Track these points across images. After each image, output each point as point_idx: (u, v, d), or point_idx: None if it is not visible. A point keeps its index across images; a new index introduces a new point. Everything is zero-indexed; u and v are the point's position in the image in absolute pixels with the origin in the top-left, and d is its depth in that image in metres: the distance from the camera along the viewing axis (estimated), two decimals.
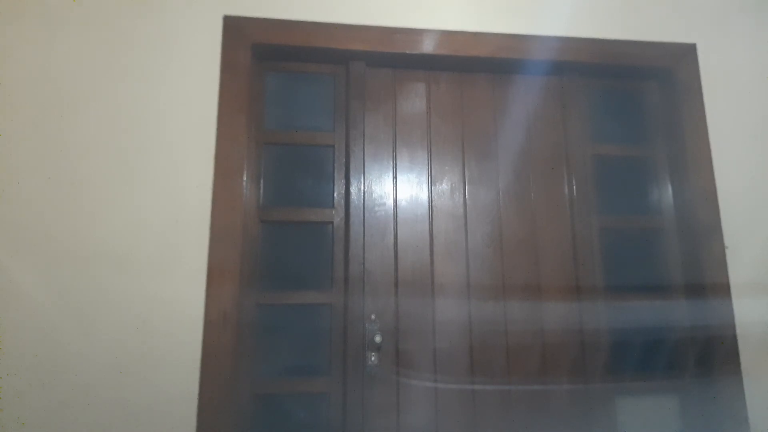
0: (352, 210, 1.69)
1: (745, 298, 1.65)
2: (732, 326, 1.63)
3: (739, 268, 1.67)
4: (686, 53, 1.82)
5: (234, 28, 1.65)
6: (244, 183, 1.60)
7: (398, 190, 1.74)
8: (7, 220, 1.45)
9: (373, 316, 1.63)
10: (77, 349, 1.41)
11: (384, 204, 1.72)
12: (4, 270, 1.42)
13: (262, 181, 1.70)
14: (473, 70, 1.80)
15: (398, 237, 1.70)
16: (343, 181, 1.73)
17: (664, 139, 1.84)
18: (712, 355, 1.62)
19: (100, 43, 1.60)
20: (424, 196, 1.74)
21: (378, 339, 1.59)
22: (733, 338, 1.62)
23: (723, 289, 1.64)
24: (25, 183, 1.48)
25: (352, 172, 1.72)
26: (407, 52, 1.71)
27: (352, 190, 1.71)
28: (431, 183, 1.76)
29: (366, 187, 1.72)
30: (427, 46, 1.72)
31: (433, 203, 1.74)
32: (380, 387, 1.61)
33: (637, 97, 1.89)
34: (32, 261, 1.44)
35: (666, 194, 1.82)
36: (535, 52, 1.75)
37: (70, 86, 1.56)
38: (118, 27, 1.61)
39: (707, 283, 1.64)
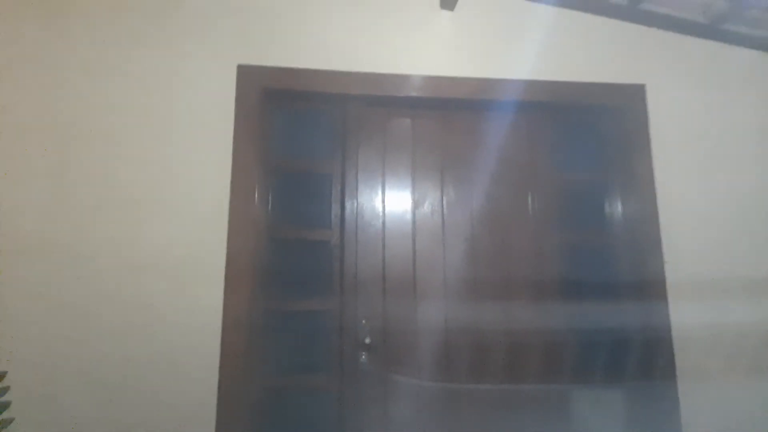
0: (346, 229, 1.98)
1: (680, 306, 1.93)
2: (668, 330, 1.91)
3: (676, 281, 1.95)
4: (636, 93, 2.11)
5: (246, 75, 1.94)
6: (256, 206, 1.88)
7: (386, 212, 2.02)
8: (61, 243, 1.74)
9: (364, 321, 1.91)
10: (121, 348, 1.69)
11: (374, 224, 2.00)
12: (60, 283, 1.71)
13: (270, 205, 1.98)
14: (452, 108, 2.09)
15: (386, 253, 1.98)
16: (339, 204, 2.01)
17: (616, 166, 2.13)
18: (650, 357, 1.90)
19: (130, 86, 1.89)
20: (408, 217, 2.03)
21: (368, 341, 1.88)
22: (669, 342, 1.90)
23: (661, 298, 1.92)
24: (82, 210, 1.77)
25: (346, 197, 2.01)
26: (395, 94, 2.01)
27: (346, 213, 1.99)
28: (415, 206, 2.04)
29: (358, 210, 2.01)
30: (412, 90, 2.01)
31: (416, 223, 2.03)
32: (370, 381, 1.89)
33: (594, 130, 2.18)
34: (81, 274, 1.72)
35: (616, 214, 2.11)
36: (505, 93, 2.04)
37: (108, 124, 1.84)
38: (145, 72, 1.90)
39: (648, 292, 1.93)
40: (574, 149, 2.16)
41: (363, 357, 1.90)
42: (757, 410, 1.97)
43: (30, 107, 1.83)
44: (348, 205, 2.00)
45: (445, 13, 2.09)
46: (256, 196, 1.90)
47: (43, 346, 1.66)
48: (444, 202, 2.05)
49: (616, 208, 2.11)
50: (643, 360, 1.93)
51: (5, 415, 1.40)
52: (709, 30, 2.18)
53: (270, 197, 1.99)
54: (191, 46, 1.94)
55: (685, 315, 1.95)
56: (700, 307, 1.97)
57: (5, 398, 1.41)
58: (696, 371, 1.93)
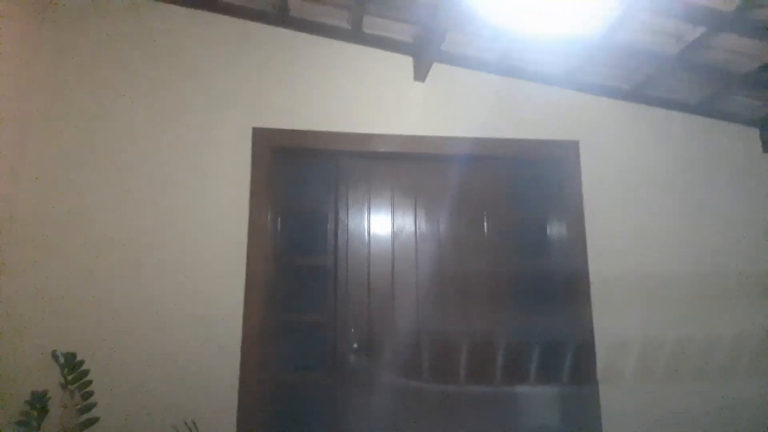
0: (338, 256, 2.49)
1: (602, 320, 2.44)
2: (592, 338, 2.42)
3: (600, 297, 2.46)
4: (571, 147, 2.63)
5: (260, 135, 2.47)
6: (267, 239, 2.40)
7: (371, 242, 2.54)
8: (124, 265, 2.26)
9: (352, 330, 2.42)
10: (164, 350, 2.21)
11: (361, 252, 2.52)
12: (116, 299, 2.22)
13: (279, 237, 2.50)
14: (424, 160, 2.61)
15: (370, 274, 2.50)
16: (333, 236, 2.53)
17: (555, 205, 2.64)
18: (576, 361, 2.41)
19: (164, 144, 2.41)
20: (388, 245, 2.55)
21: (355, 345, 2.39)
22: (593, 348, 2.41)
23: (587, 314, 2.43)
24: (135, 249, 2.29)
25: (339, 230, 2.53)
26: (377, 150, 2.53)
27: (339, 243, 2.51)
28: (393, 237, 2.56)
29: (348, 240, 2.52)
30: (391, 146, 2.54)
31: (395, 251, 2.55)
32: (357, 377, 2.40)
33: (538, 176, 2.70)
34: (137, 294, 2.24)
35: (554, 244, 2.62)
36: (465, 147, 2.57)
37: (149, 176, 2.37)
38: (181, 134, 2.43)
39: (578, 309, 2.44)
40: (522, 190, 2.68)
41: (352, 358, 2.41)
42: (672, 411, 2.46)
43: (79, 171, 2.36)
44: (340, 236, 2.52)
45: (418, 84, 2.62)
46: (268, 231, 2.42)
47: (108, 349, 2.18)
48: (417, 232, 2.57)
49: (554, 237, 2.63)
50: (570, 363, 2.44)
51: (90, 414, 1.89)
52: (631, 94, 2.70)
53: (278, 231, 2.51)
54: (217, 114, 2.47)
55: (607, 325, 2.46)
56: (619, 319, 2.48)
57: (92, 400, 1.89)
58: (615, 374, 2.43)
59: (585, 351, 2.44)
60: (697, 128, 2.74)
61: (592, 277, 2.49)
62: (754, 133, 2.77)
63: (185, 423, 2.02)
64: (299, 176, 2.60)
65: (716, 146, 2.74)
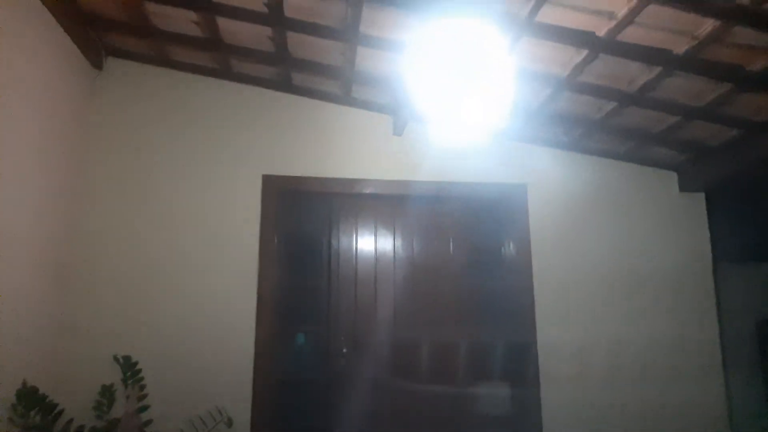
0: (331, 278, 3.10)
1: (544, 327, 3.05)
2: (535, 342, 3.02)
3: (542, 311, 3.07)
4: (520, 189, 3.24)
5: (268, 181, 3.08)
6: (274, 264, 3.01)
7: (357, 266, 3.15)
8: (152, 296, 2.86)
9: (342, 338, 3.03)
10: (195, 352, 2.81)
11: (349, 274, 3.13)
12: (155, 313, 2.83)
13: (283, 262, 3.10)
14: (401, 199, 3.22)
15: (357, 292, 3.10)
16: (327, 261, 3.14)
17: (508, 235, 3.25)
18: (522, 365, 3.02)
19: (193, 188, 3.02)
20: (371, 269, 3.15)
21: (345, 350, 3.00)
22: (536, 353, 3.02)
23: (531, 323, 3.04)
24: (170, 271, 2.89)
25: (332, 256, 3.13)
26: (364, 192, 3.14)
27: (332, 266, 3.12)
28: (376, 261, 3.17)
29: (340, 265, 3.13)
30: (375, 189, 3.15)
31: (377, 272, 3.15)
32: (346, 376, 3.00)
33: (494, 211, 3.30)
34: (169, 308, 2.85)
35: (506, 266, 3.22)
36: (434, 189, 3.18)
37: (181, 212, 2.97)
38: (202, 179, 3.04)
39: (524, 319, 3.05)
40: (481, 221, 3.28)
41: (342, 360, 3.02)
42: (607, 410, 3.05)
43: (128, 209, 2.97)
44: (332, 261, 3.13)
45: (396, 138, 3.23)
46: (275, 257, 3.03)
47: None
48: (395, 256, 3.18)
49: (506, 260, 3.24)
50: (516, 364, 3.05)
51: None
52: (570, 145, 3.31)
53: (283, 258, 3.11)
54: (234, 164, 3.08)
55: (548, 332, 3.06)
56: (559, 328, 3.09)
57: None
58: (554, 373, 3.03)
59: (529, 353, 3.04)
60: (625, 172, 3.35)
61: (537, 293, 3.10)
62: (673, 176, 3.38)
63: (217, 409, 2.63)
64: (300, 213, 3.21)
65: (641, 187, 3.34)
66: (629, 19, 2.10)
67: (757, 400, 3.20)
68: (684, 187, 3.35)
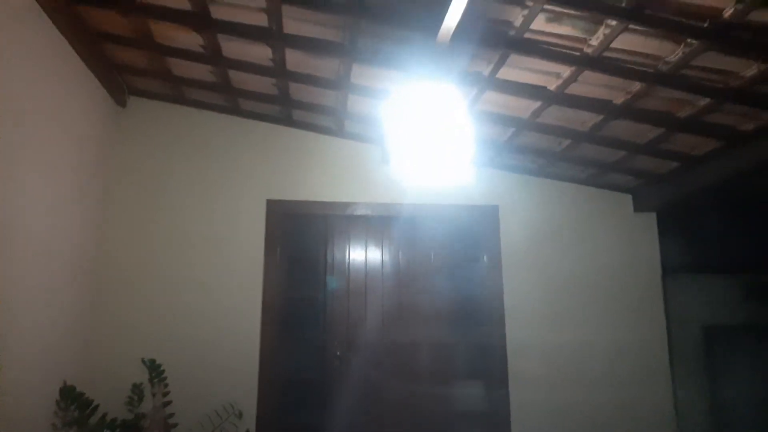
0: (327, 290, 3.54)
1: (513, 332, 3.49)
2: (504, 344, 3.46)
3: (511, 317, 3.51)
4: (492, 210, 3.68)
5: (272, 205, 3.52)
6: (277, 278, 3.44)
7: (350, 279, 3.58)
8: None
9: (336, 342, 3.46)
10: (208, 355, 3.24)
11: (342, 286, 3.56)
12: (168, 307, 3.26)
13: (285, 277, 3.53)
14: (389, 219, 3.66)
15: (349, 302, 3.54)
16: (323, 275, 3.57)
17: (482, 250, 3.69)
18: (491, 365, 3.46)
19: (206, 211, 3.45)
20: (362, 281, 3.59)
21: (338, 353, 3.43)
22: (505, 353, 3.46)
23: (502, 329, 3.48)
24: (187, 286, 3.32)
25: (327, 271, 3.57)
26: (355, 213, 3.58)
27: (327, 282, 3.55)
28: (366, 274, 3.60)
29: (336, 277, 3.56)
30: (365, 210, 3.59)
31: (367, 284, 3.59)
32: (340, 375, 3.43)
33: (470, 228, 3.74)
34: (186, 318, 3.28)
35: (481, 280, 3.66)
36: (417, 210, 3.61)
37: (196, 233, 3.40)
38: (214, 203, 3.47)
39: (495, 325, 3.49)
40: (459, 237, 3.72)
41: (336, 362, 3.45)
42: (573, 409, 3.48)
43: (150, 229, 3.40)
44: (328, 275, 3.57)
45: (384, 166, 3.67)
46: (277, 272, 3.46)
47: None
48: (383, 269, 3.62)
49: (480, 271, 3.67)
50: (487, 366, 3.49)
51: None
52: (537, 171, 3.75)
53: (284, 272, 3.54)
54: (242, 190, 3.51)
55: (516, 336, 3.50)
56: (526, 332, 3.52)
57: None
58: (523, 376, 3.47)
59: (499, 354, 3.48)
60: (586, 195, 3.80)
61: (506, 301, 3.54)
62: (628, 198, 3.82)
63: (229, 403, 3.07)
64: (299, 232, 3.65)
65: (600, 207, 3.79)
66: (572, 78, 2.55)
67: (701, 400, 3.63)
68: (638, 207, 3.79)
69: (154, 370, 2.86)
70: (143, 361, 2.89)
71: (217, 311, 3.31)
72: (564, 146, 3.29)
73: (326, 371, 3.44)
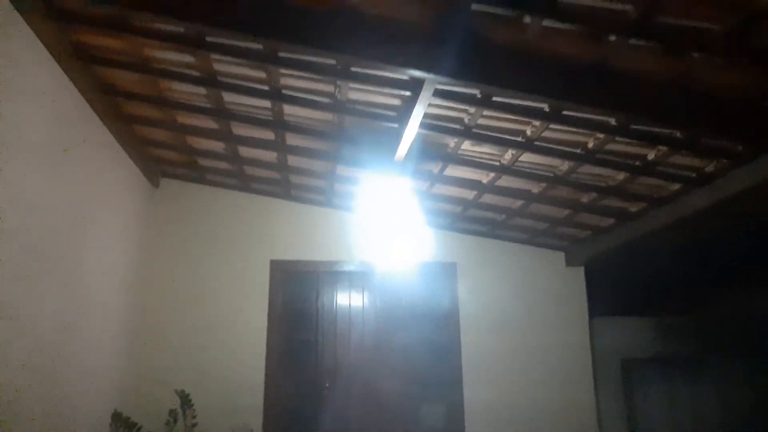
0: (318, 334, 4.40)
1: (468, 362, 4.34)
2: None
3: (468, 368, 4.38)
4: (451, 267, 4.59)
5: (275, 264, 4.41)
6: (279, 323, 4.30)
7: (337, 322, 4.45)
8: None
9: (325, 374, 4.31)
10: (224, 384, 4.08)
11: (331, 329, 4.43)
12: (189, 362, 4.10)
13: (284, 321, 4.40)
14: (368, 273, 4.55)
15: (336, 341, 4.40)
16: (315, 319, 4.44)
17: (444, 296, 4.58)
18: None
19: (223, 271, 4.34)
20: (347, 322, 4.46)
21: (327, 384, 4.28)
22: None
23: (458, 361, 4.34)
24: (202, 331, 4.19)
25: (318, 316, 4.44)
26: (341, 269, 4.48)
27: (318, 323, 4.42)
28: (349, 317, 4.48)
29: (325, 320, 4.43)
30: (350, 267, 4.49)
31: (351, 325, 4.45)
32: (329, 400, 4.27)
33: (432, 282, 4.63)
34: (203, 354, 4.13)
35: (443, 321, 4.54)
36: (391, 266, 4.51)
37: (215, 289, 4.28)
38: (230, 264, 4.36)
39: (453, 375, 4.35)
40: (426, 285, 4.62)
41: (325, 392, 4.29)
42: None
43: (177, 287, 4.27)
44: (319, 322, 4.43)
45: (365, 230, 4.58)
46: (279, 318, 4.33)
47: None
48: (363, 312, 4.49)
49: (442, 314, 4.55)
50: (445, 390, 4.33)
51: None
52: (488, 234, 4.68)
53: (284, 317, 4.41)
54: (250, 252, 4.42)
55: (470, 366, 4.35)
56: (478, 364, 4.38)
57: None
58: (477, 388, 4.32)
59: (457, 381, 4.34)
60: (527, 253, 4.72)
61: (462, 338, 4.42)
62: (561, 255, 4.75)
63: (243, 423, 3.89)
64: (296, 285, 4.53)
65: (538, 263, 4.70)
66: (496, 178, 3.50)
67: (620, 420, 4.48)
68: (569, 262, 4.72)
69: (185, 398, 3.69)
70: (176, 391, 3.72)
71: (232, 350, 4.18)
72: (502, 219, 4.24)
73: (317, 398, 4.28)
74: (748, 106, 2.13)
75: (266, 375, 4.18)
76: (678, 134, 2.66)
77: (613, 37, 2.08)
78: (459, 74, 2.01)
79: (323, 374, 4.33)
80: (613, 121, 2.62)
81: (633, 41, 2.09)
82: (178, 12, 1.92)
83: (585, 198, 3.66)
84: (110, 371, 3.70)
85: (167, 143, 3.87)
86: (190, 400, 3.74)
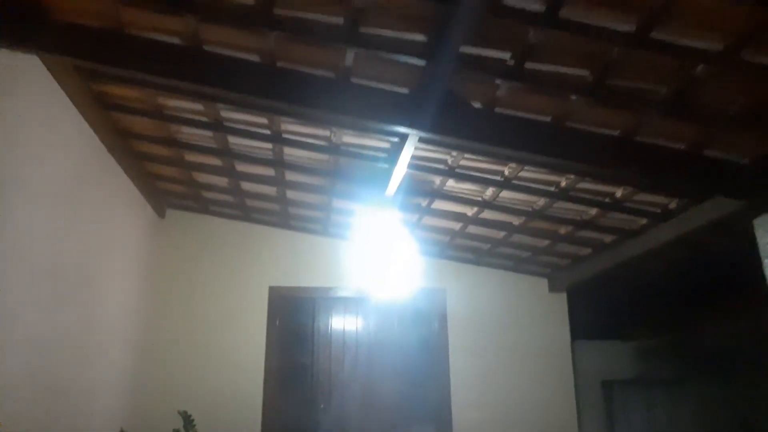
0: (314, 357, 4.63)
1: (458, 407, 4.57)
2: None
3: (457, 384, 4.61)
4: (440, 292, 4.85)
5: (273, 290, 4.66)
6: (277, 349, 4.53)
7: (332, 346, 4.68)
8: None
9: (320, 396, 4.53)
10: (225, 407, 4.29)
11: (326, 354, 4.66)
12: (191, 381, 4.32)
13: (282, 345, 4.63)
14: (362, 299, 4.80)
15: (331, 365, 4.63)
16: (311, 344, 4.67)
17: (433, 321, 4.82)
18: (438, 407, 4.53)
19: (225, 297, 4.58)
20: (341, 347, 4.69)
21: (322, 406, 4.49)
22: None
23: (448, 405, 4.57)
24: (206, 358, 4.41)
25: (314, 342, 4.67)
26: (336, 295, 4.73)
27: (314, 348, 4.65)
28: (343, 342, 4.71)
29: (320, 344, 4.66)
30: (344, 293, 4.74)
31: (345, 349, 4.68)
32: (324, 420, 4.47)
33: (423, 307, 4.88)
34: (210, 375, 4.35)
35: (433, 343, 4.78)
36: (385, 293, 4.77)
37: (217, 313, 4.52)
38: (232, 290, 4.61)
39: (442, 396, 4.58)
40: (416, 310, 4.86)
41: (320, 411, 4.50)
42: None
43: (181, 313, 4.51)
44: (315, 345, 4.67)
45: (360, 258, 4.84)
46: (277, 342, 4.56)
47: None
48: (356, 337, 4.72)
49: (432, 338, 4.80)
50: (434, 410, 4.55)
51: None
52: (475, 261, 4.95)
53: (282, 341, 4.64)
54: (251, 279, 4.67)
55: (459, 386, 4.58)
56: (465, 383, 4.61)
57: None
58: (464, 407, 4.54)
59: (444, 399, 4.56)
60: (512, 279, 4.98)
61: (451, 359, 4.65)
62: (544, 281, 5.01)
63: None
64: (293, 311, 4.78)
65: (523, 289, 4.96)
66: (480, 212, 3.78)
67: None
68: (552, 288, 4.98)
69: (187, 418, 3.90)
70: (179, 412, 3.93)
71: (232, 372, 4.40)
72: (487, 248, 4.51)
73: (313, 419, 4.49)
74: (690, 156, 2.43)
75: (264, 395, 4.40)
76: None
77: (573, 97, 2.39)
78: (436, 130, 2.31)
79: (318, 395, 4.55)
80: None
81: (590, 100, 2.40)
82: (196, 79, 2.24)
83: (562, 230, 3.94)
84: (117, 390, 3.92)
85: (174, 178, 4.15)
86: (192, 420, 3.95)
